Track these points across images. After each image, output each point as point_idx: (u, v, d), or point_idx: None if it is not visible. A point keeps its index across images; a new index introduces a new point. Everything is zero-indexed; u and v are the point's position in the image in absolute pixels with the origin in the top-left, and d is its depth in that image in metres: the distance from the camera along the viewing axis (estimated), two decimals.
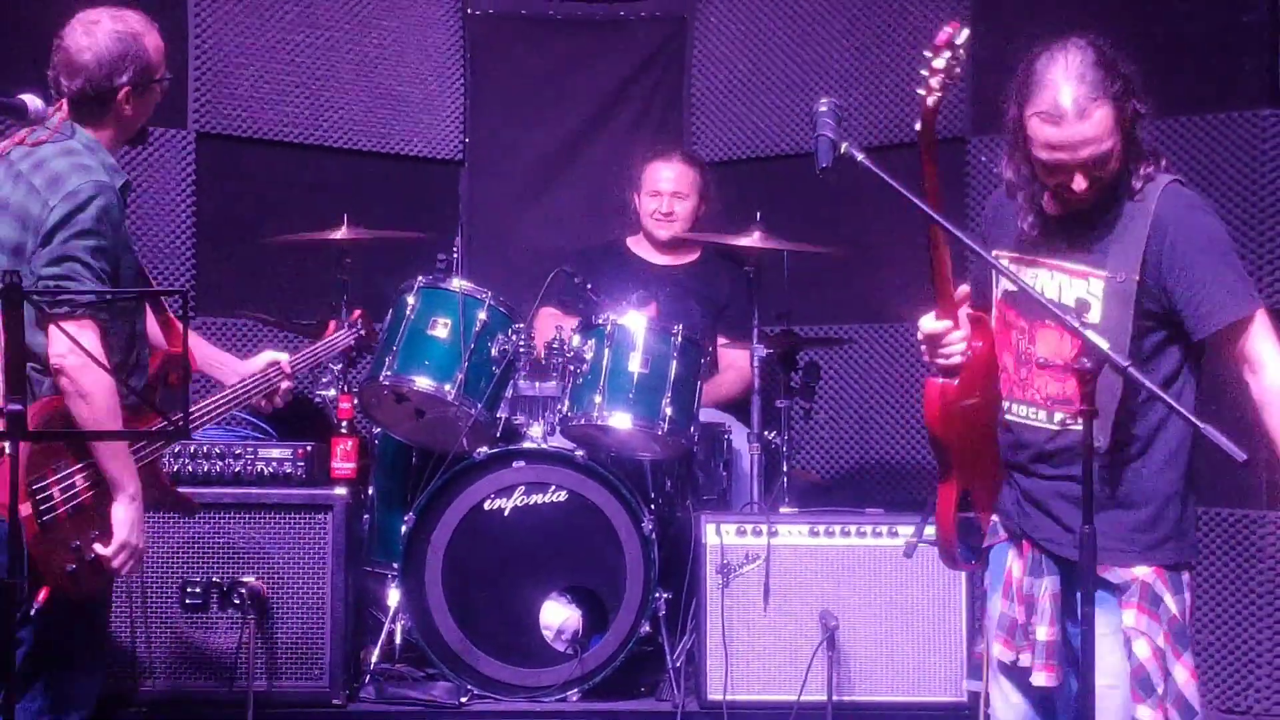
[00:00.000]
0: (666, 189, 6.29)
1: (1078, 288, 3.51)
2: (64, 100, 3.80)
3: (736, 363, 6.04)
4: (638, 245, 6.45)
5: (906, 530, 5.10)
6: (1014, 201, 3.59)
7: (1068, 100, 3.36)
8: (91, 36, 3.77)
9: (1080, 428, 3.26)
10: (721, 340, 6.07)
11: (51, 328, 3.55)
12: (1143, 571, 3.50)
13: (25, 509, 3.53)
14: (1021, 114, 3.44)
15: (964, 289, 3.50)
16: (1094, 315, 3.48)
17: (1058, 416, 3.52)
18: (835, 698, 4.98)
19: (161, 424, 3.63)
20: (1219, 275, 3.45)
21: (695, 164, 6.41)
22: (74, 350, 3.48)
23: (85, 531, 3.70)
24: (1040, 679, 3.55)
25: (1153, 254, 3.45)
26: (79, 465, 3.70)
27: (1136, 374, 3.21)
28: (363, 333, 5.03)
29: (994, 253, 3.62)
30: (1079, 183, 3.41)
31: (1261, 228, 5.53)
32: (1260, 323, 3.48)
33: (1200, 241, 3.47)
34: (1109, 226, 3.50)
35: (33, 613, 3.59)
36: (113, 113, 3.82)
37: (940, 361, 3.50)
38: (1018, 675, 3.66)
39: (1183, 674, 3.49)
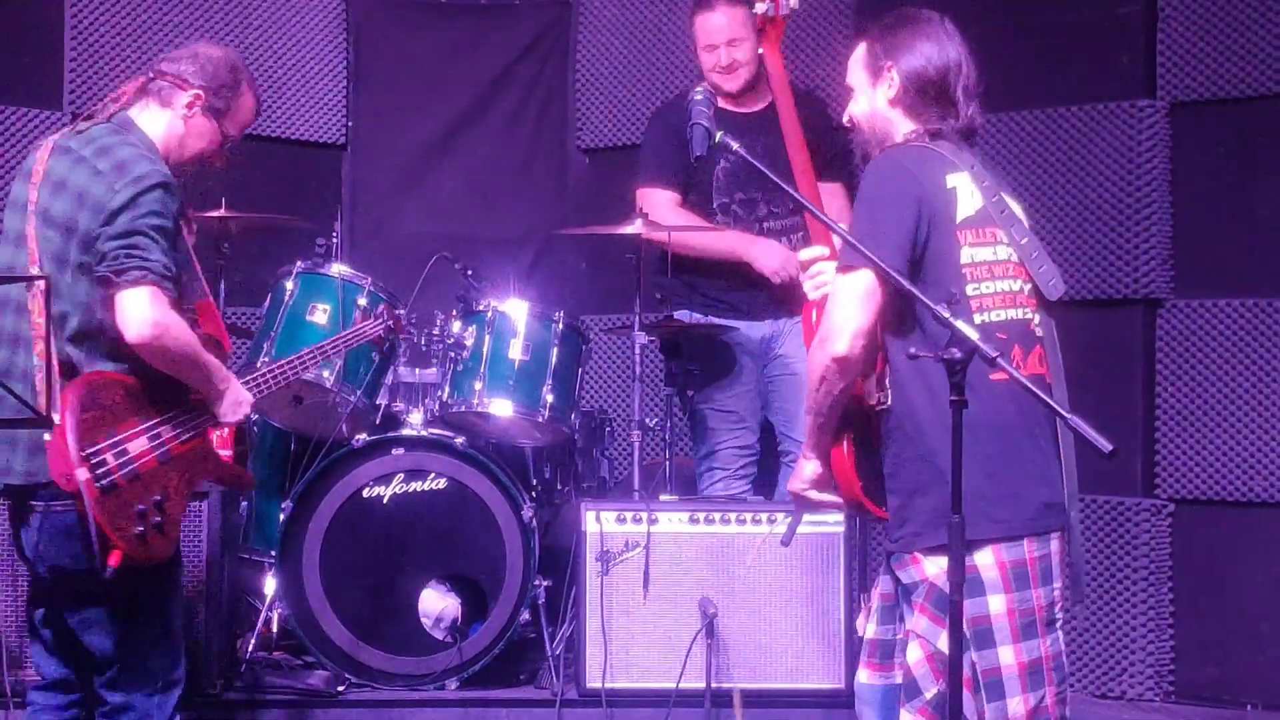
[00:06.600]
0: (720, 39, 5.78)
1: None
2: None
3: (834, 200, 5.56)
4: None
5: (785, 518, 5.12)
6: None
7: None
8: None
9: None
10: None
11: (123, 299, 3.71)
12: (934, 572, 3.39)
13: (83, 473, 3.63)
14: None
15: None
16: None
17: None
18: (714, 685, 4.98)
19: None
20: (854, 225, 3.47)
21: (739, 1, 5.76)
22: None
23: (148, 496, 3.76)
24: (862, 676, 3.59)
25: None
26: (134, 431, 3.76)
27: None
28: (390, 324, 5.15)
29: None
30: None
31: (1138, 217, 5.62)
32: (851, 283, 3.37)
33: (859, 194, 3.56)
34: None
35: (107, 575, 3.66)
36: None
37: (820, 288, 3.60)
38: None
39: (1008, 656, 3.37)
